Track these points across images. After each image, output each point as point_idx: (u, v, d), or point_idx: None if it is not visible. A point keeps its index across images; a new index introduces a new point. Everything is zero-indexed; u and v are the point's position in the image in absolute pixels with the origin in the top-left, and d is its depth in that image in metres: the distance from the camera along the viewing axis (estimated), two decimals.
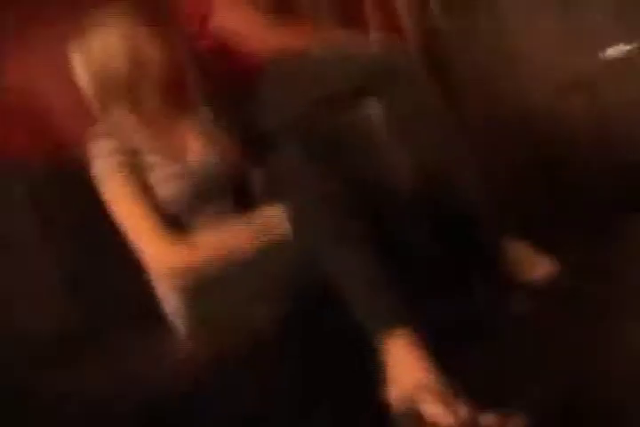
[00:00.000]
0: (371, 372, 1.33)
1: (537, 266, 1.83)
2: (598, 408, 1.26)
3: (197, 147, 1.75)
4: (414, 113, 1.85)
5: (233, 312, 1.54)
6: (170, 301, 1.65)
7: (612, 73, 2.81)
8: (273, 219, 1.52)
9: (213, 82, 2.21)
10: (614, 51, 2.78)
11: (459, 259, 1.77)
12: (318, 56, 1.96)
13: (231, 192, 1.76)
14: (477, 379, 1.41)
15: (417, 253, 1.71)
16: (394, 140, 1.87)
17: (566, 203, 2.62)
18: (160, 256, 1.58)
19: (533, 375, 1.45)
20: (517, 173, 2.93)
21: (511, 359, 1.53)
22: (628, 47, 2.73)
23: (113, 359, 1.58)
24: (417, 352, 1.30)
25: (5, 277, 1.71)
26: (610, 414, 1.23)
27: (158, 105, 1.71)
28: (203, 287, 1.57)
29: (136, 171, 1.60)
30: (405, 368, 1.29)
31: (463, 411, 1.23)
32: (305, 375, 1.41)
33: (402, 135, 1.87)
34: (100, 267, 1.77)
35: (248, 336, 1.44)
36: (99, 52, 1.66)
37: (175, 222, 1.63)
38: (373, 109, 1.90)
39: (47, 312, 1.75)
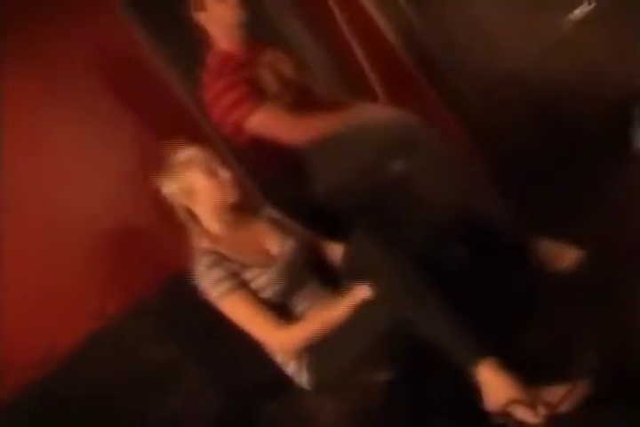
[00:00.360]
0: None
1: (565, 256, 2.29)
2: None
3: (274, 240, 2.19)
4: (434, 168, 2.31)
5: (343, 371, 2.00)
6: (293, 367, 2.13)
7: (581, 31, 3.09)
8: (362, 296, 1.96)
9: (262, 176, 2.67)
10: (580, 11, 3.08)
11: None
12: (346, 134, 2.40)
13: (314, 270, 2.22)
14: (538, 355, 1.92)
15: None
16: (421, 190, 2.32)
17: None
18: (279, 342, 2.05)
19: (585, 346, 1.92)
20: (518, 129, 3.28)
21: (564, 335, 2.00)
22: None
23: None
24: (502, 373, 1.79)
25: None
26: None
27: (233, 220, 2.17)
28: (317, 352, 2.06)
29: (243, 287, 2.06)
30: (497, 386, 1.79)
31: (543, 410, 1.73)
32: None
33: (425, 186, 2.32)
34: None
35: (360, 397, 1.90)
36: (184, 186, 2.12)
37: (282, 309, 2.09)
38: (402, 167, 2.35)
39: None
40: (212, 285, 2.04)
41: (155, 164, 2.16)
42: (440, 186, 2.31)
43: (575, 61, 3.08)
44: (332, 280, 2.21)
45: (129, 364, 2.14)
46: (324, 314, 2.04)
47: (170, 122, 2.79)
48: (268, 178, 2.66)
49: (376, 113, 2.52)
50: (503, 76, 3.26)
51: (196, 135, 2.73)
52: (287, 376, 2.12)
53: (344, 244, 2.23)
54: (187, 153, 2.14)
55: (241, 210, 2.20)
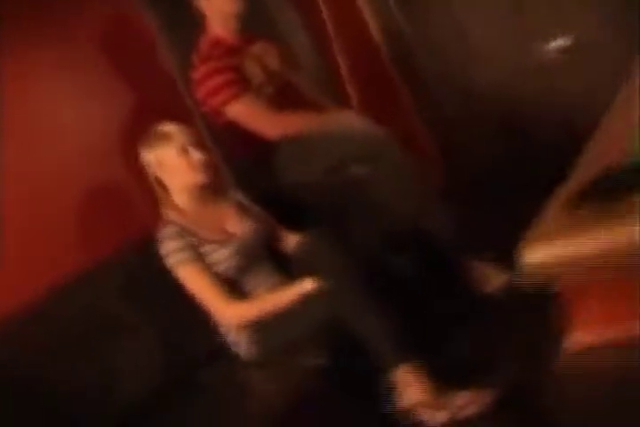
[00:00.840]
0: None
1: (494, 280, 2.51)
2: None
3: (236, 221, 2.34)
4: (392, 179, 2.49)
5: (279, 351, 2.17)
6: (234, 338, 2.28)
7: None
8: (308, 288, 2.12)
9: (234, 159, 2.80)
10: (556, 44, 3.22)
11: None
12: (319, 135, 2.55)
13: (269, 254, 2.38)
14: (461, 363, 2.10)
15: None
16: (379, 198, 2.50)
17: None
18: (227, 315, 2.22)
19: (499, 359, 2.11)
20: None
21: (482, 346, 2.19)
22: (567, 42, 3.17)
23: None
24: (418, 377, 1.98)
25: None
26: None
27: (200, 197, 2.31)
28: (259, 330, 2.21)
29: (199, 259, 2.21)
30: (409, 388, 1.97)
31: (447, 413, 1.92)
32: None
33: (382, 195, 2.51)
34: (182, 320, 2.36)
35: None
36: (157, 158, 2.25)
37: (233, 285, 2.24)
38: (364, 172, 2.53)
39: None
40: (170, 253, 2.20)
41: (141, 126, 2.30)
42: (395, 197, 2.50)
43: (552, 86, 3.25)
44: (283, 266, 2.37)
45: (92, 315, 2.23)
46: (272, 297, 2.21)
47: (158, 92, 2.90)
48: (240, 163, 2.80)
49: (350, 120, 2.66)
50: (481, 88, 3.42)
51: (180, 110, 2.89)
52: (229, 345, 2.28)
53: (301, 236, 2.38)
54: (167, 127, 2.27)
55: (209, 189, 2.33)
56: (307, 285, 2.13)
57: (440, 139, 3.54)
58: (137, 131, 2.37)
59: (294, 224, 2.46)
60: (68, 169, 2.51)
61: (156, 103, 2.82)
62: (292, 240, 2.43)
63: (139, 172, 2.33)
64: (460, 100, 3.50)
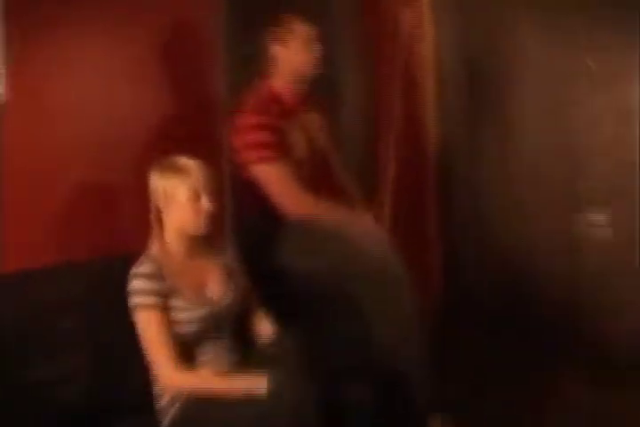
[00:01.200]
0: None
1: None
2: None
3: (217, 286, 2.17)
4: (389, 310, 2.35)
5: None
6: (163, 402, 2.11)
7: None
8: (258, 383, 1.95)
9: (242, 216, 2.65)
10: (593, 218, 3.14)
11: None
12: (334, 233, 2.43)
13: (234, 329, 2.21)
14: None
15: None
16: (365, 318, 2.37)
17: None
18: (167, 377, 2.04)
19: None
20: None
21: None
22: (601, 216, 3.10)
23: None
24: None
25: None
26: None
27: (191, 247, 2.15)
28: (191, 407, 2.04)
29: (165, 310, 2.05)
30: None
31: None
32: None
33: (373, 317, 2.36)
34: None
35: None
36: (165, 190, 2.09)
37: (186, 350, 2.07)
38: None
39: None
40: (139, 292, 2.04)
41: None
42: (381, 326, 2.34)
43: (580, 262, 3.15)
44: (246, 349, 2.22)
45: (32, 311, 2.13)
46: (220, 380, 2.04)
47: (196, 108, 2.81)
48: (246, 223, 2.65)
49: (368, 231, 2.50)
50: (509, 237, 3.37)
51: (210, 138, 2.80)
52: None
53: (274, 328, 2.24)
54: (189, 163, 2.11)
55: (203, 242, 2.19)
56: (257, 383, 1.95)
57: (449, 266, 3.44)
58: (159, 136, 2.35)
59: (275, 304, 2.30)
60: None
61: (189, 118, 2.74)
62: (264, 328, 2.28)
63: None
64: (483, 237, 3.46)
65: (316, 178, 2.59)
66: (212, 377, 2.05)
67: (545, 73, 3.25)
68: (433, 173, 3.53)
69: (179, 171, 2.08)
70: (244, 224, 2.67)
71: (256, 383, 1.95)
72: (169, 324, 2.05)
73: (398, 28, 3.29)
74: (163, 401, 2.11)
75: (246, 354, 2.19)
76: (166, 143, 2.58)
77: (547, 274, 3.26)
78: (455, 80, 3.52)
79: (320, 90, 2.67)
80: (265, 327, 2.27)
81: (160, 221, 2.13)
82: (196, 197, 2.08)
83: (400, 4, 3.39)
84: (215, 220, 2.13)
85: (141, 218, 2.17)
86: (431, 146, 3.52)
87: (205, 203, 2.09)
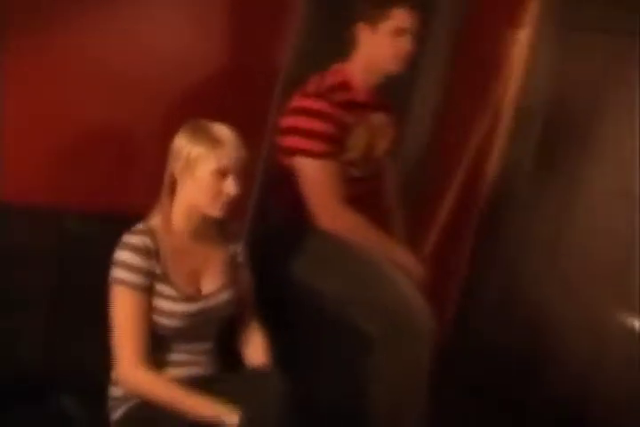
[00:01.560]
0: None
1: None
2: None
3: (215, 281, 1.84)
4: (398, 362, 1.98)
5: None
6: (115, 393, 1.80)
7: None
8: (228, 418, 1.63)
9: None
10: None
11: None
12: (363, 262, 2.08)
13: (219, 335, 1.88)
14: None
15: None
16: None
17: None
18: (125, 371, 1.71)
19: None
20: None
21: None
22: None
23: None
24: None
25: None
26: None
27: (198, 229, 1.81)
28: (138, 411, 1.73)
29: (147, 293, 1.72)
30: None
31: None
32: None
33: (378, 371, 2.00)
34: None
35: None
36: (190, 156, 1.73)
37: (158, 343, 1.75)
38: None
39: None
40: (123, 265, 1.72)
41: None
42: (389, 380, 1.99)
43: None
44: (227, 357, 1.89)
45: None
46: (182, 396, 1.69)
47: (254, 71, 2.43)
48: (267, 218, 2.30)
49: (406, 270, 2.15)
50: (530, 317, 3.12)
51: (256, 107, 2.43)
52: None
53: (261, 362, 1.89)
54: (227, 132, 1.76)
55: (214, 226, 1.85)
56: (229, 419, 1.63)
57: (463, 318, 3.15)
58: (200, 91, 2.05)
59: (272, 318, 1.96)
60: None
61: (239, 82, 2.36)
62: (254, 350, 1.92)
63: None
64: (511, 297, 3.19)
65: (363, 190, 2.22)
66: (176, 389, 1.70)
67: (621, 143, 2.96)
68: (479, 215, 3.19)
69: (212, 138, 1.73)
70: (265, 217, 2.31)
71: (225, 417, 1.62)
72: (147, 310, 1.73)
73: (498, 49, 2.96)
74: (117, 391, 1.79)
75: (224, 371, 1.87)
76: (205, 102, 2.24)
77: (566, 354, 2.99)
78: (531, 121, 3.20)
79: (390, 89, 2.31)
80: (255, 349, 1.92)
81: (172, 190, 1.79)
82: (221, 174, 1.73)
83: (506, 25, 3.05)
84: (236, 205, 1.78)
85: (156, 179, 1.83)
86: (486, 188, 3.19)
87: (230, 184, 1.74)
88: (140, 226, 1.77)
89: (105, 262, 1.73)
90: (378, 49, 2.15)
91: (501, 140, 3.20)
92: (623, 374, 2.79)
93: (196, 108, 2.18)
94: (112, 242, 1.74)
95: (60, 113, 1.97)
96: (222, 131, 1.76)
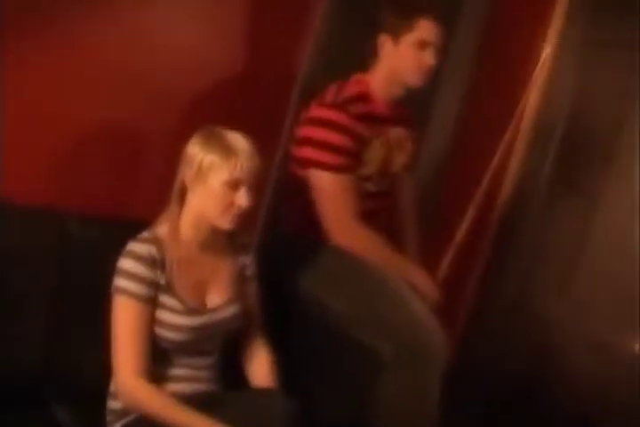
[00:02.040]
0: None
1: None
2: None
3: (222, 295, 1.79)
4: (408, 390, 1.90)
5: None
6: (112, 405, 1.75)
7: None
8: None
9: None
10: None
11: None
12: (374, 279, 2.02)
13: (221, 348, 1.83)
14: None
15: None
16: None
17: None
18: (124, 386, 1.66)
19: None
20: None
21: None
22: None
23: None
24: None
25: None
26: None
27: (207, 239, 1.75)
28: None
29: (150, 304, 1.67)
30: None
31: None
32: None
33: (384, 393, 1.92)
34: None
35: None
36: (203, 164, 1.67)
37: (159, 356, 1.70)
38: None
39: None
40: (127, 275, 1.67)
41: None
42: (398, 403, 1.91)
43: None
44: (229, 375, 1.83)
45: None
46: (182, 415, 1.62)
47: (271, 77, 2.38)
48: (277, 230, 2.24)
49: (421, 292, 2.10)
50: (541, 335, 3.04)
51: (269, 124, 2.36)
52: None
53: (266, 383, 1.83)
54: (243, 141, 1.70)
55: (224, 237, 1.80)
56: None
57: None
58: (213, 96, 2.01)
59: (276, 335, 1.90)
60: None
61: (255, 88, 2.31)
62: (257, 370, 1.86)
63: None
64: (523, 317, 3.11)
65: (379, 205, 2.16)
66: (175, 405, 1.64)
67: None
68: (493, 233, 3.12)
69: (226, 147, 1.67)
70: (275, 228, 2.25)
71: None
72: (149, 322, 1.67)
73: (523, 60, 2.90)
74: (115, 404, 1.74)
75: (227, 388, 1.81)
76: (217, 106, 2.19)
77: (575, 376, 2.89)
78: (550, 136, 3.13)
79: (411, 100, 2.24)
80: (260, 366, 1.86)
81: (182, 198, 1.74)
82: (234, 185, 1.67)
83: (534, 37, 2.99)
84: (247, 216, 1.72)
85: (160, 182, 1.78)
86: (501, 205, 3.11)
87: (242, 196, 1.68)
88: (145, 234, 1.72)
89: (105, 263, 1.69)
90: (400, 61, 2.08)
91: (520, 154, 3.12)
92: (634, 399, 2.71)
93: (206, 111, 2.15)
94: (112, 243, 1.70)
95: (61, 113, 1.94)
96: (237, 140, 1.69)
